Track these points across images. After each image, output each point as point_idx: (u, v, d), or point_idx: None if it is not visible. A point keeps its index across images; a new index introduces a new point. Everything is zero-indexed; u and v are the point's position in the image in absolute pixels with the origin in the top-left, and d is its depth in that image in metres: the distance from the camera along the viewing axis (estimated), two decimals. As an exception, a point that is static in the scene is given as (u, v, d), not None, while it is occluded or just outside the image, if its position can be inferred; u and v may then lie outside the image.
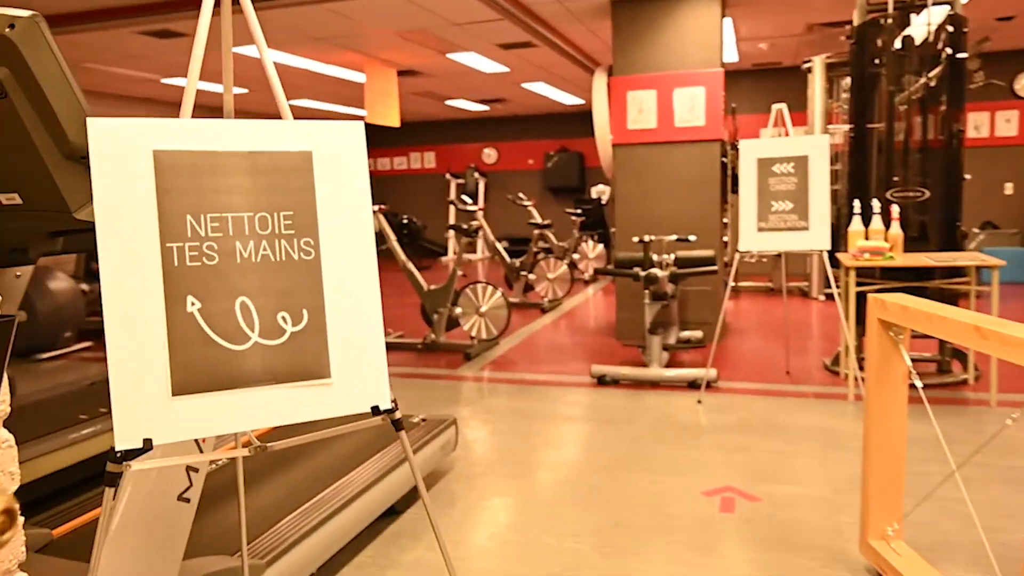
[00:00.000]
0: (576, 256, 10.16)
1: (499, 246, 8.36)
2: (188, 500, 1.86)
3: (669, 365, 5.37)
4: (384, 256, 13.69)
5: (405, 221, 12.29)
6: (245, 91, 9.84)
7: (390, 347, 6.35)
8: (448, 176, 14.44)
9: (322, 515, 2.50)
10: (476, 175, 14.42)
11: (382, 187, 15.18)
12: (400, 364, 5.78)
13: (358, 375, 1.54)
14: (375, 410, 1.57)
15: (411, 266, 6.22)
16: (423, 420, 3.51)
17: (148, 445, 1.35)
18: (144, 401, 1.36)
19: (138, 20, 5.76)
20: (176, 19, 5.83)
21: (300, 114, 12.58)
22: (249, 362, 1.43)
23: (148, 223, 1.37)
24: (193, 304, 1.39)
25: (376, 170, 15.23)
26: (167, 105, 10.58)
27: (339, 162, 1.55)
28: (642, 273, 5.03)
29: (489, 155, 14.60)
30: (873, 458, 2.49)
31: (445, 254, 14.02)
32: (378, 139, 15.02)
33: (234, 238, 1.43)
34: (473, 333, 6.14)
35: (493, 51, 7.79)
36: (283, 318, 1.47)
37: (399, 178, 15.15)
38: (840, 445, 3.73)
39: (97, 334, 7.17)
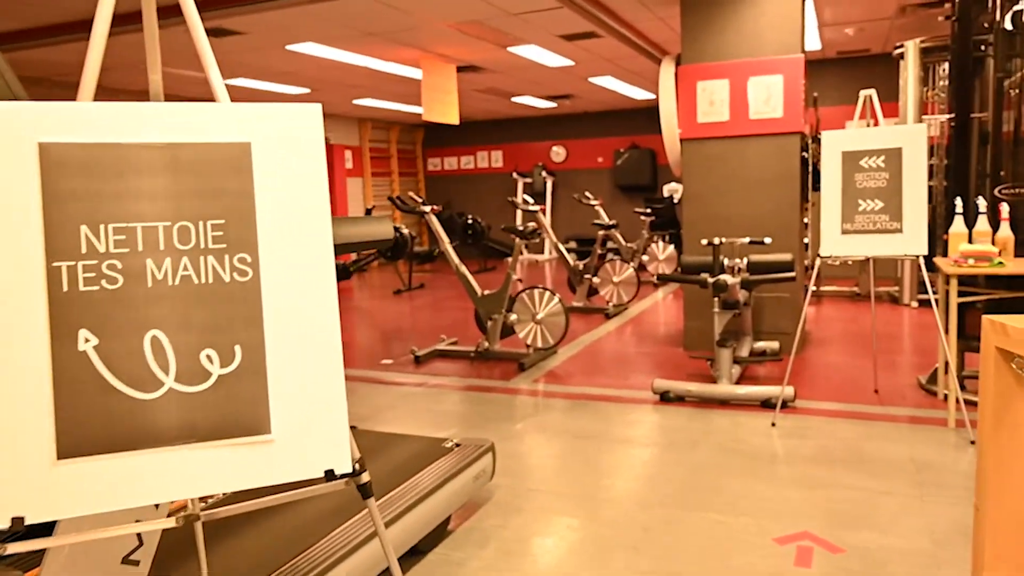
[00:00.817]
0: (645, 258, 9.68)
1: (562, 247, 7.97)
2: (136, 563, 1.57)
3: (740, 381, 4.88)
4: (442, 258, 13.47)
5: (470, 221, 12.03)
6: (306, 91, 9.75)
7: (442, 355, 6.05)
8: (515, 175, 14.12)
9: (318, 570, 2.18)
10: (544, 174, 14.05)
11: (448, 187, 14.99)
12: (451, 374, 5.47)
13: (308, 430, 1.20)
14: (330, 474, 1.22)
15: (464, 269, 5.90)
16: (456, 445, 3.17)
17: (19, 525, 1.05)
18: (18, 466, 1.05)
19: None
20: (226, 16, 5.68)
21: (357, 112, 12.49)
22: (162, 415, 1.12)
23: (29, 236, 1.06)
24: (87, 341, 1.08)
25: (443, 169, 15.05)
26: (233, 106, 10.60)
27: (287, 156, 1.21)
28: (710, 280, 4.57)
29: (557, 153, 14.21)
30: (991, 513, 2.02)
31: (511, 255, 13.72)
32: (444, 138, 14.83)
33: (144, 255, 1.12)
34: (528, 341, 5.79)
35: (555, 43, 7.41)
36: (208, 357, 1.15)
37: (466, 177, 14.93)
38: (940, 482, 3.21)
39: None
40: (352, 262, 10.72)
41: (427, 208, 6.11)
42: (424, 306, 8.81)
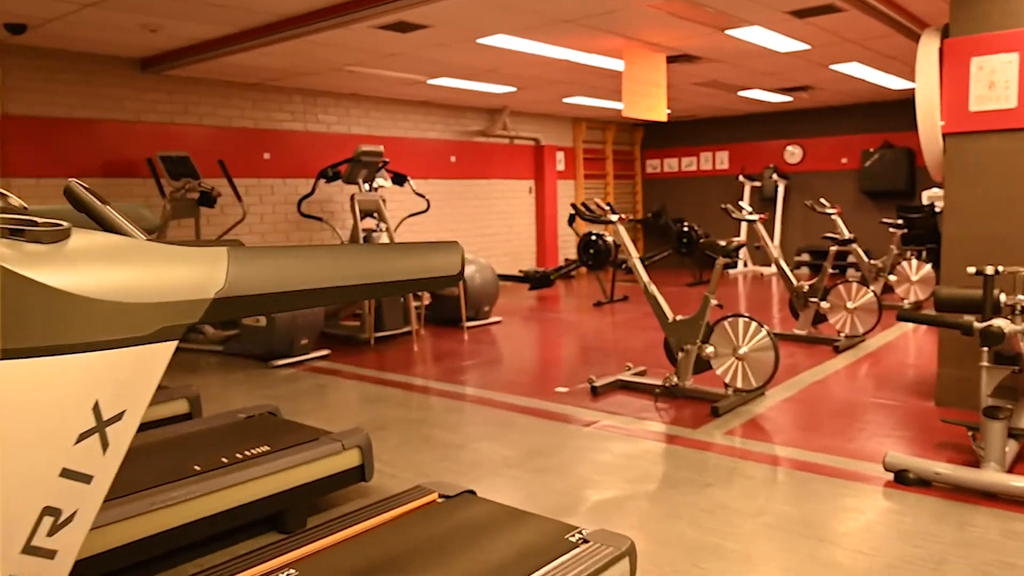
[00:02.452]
0: (892, 278, 8.08)
1: (783, 264, 6.76)
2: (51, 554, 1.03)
3: (1017, 465, 3.55)
4: (654, 267, 12.43)
5: (685, 229, 10.98)
6: (512, 89, 9.32)
7: (624, 386, 5.22)
8: (741, 178, 12.77)
9: None
10: (775, 177, 12.57)
11: (666, 190, 13.96)
12: (629, 412, 4.63)
13: None
14: None
15: (653, 289, 5.03)
16: (583, 539, 2.37)
17: None
18: None
19: (365, 13, 5.32)
20: (408, 7, 5.29)
21: (570, 111, 11.88)
22: None
23: None
24: None
25: (662, 172, 14.05)
26: (444, 108, 10.50)
27: None
28: (978, 325, 3.32)
29: (792, 153, 12.65)
30: None
31: (734, 265, 12.41)
32: (665, 138, 13.82)
33: None
34: (727, 380, 4.78)
35: (784, 22, 6.25)
36: None
37: (686, 181, 13.81)
38: None
39: (337, 340, 7.05)
40: (555, 269, 10.17)
41: (614, 217, 5.31)
42: (621, 323, 7.99)
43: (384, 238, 7.11)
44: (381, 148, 7.34)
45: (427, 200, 8.68)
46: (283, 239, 8.60)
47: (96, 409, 1.12)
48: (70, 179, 1.33)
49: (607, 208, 5.48)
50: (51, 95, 6.72)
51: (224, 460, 3.01)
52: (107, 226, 1.30)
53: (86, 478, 1.13)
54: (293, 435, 3.32)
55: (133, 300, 1.15)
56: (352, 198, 7.19)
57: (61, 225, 1.15)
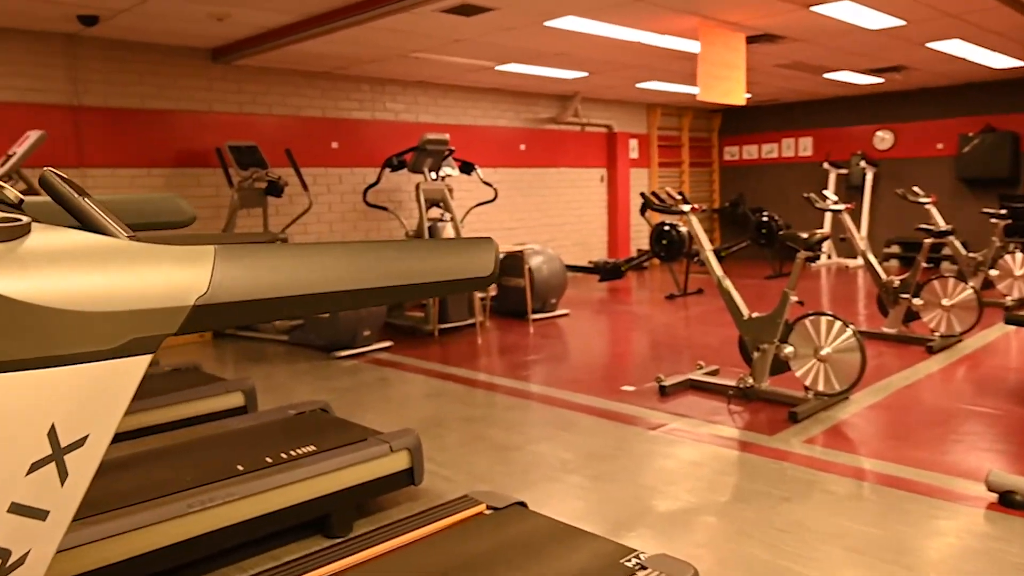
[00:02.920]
0: (994, 272, 7.47)
1: (871, 257, 6.30)
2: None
3: None
4: (733, 258, 11.94)
5: (764, 219, 10.48)
6: (584, 74, 9.04)
7: (694, 386, 4.93)
8: (826, 165, 12.13)
9: None
10: (863, 164, 11.88)
11: (745, 178, 13.40)
12: (699, 415, 4.36)
13: None
14: None
15: (728, 284, 4.72)
16: (640, 565, 2.14)
17: None
18: None
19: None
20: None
21: (644, 97, 11.49)
22: None
23: None
24: None
25: (741, 159, 13.49)
26: (514, 95, 10.29)
27: None
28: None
29: (883, 139, 11.93)
30: None
31: (816, 259, 11.81)
32: (744, 124, 13.26)
33: None
34: (807, 383, 4.44)
35: (877, -4, 5.78)
36: None
37: (766, 168, 13.22)
38: None
39: (401, 331, 6.96)
40: (625, 260, 9.87)
41: (686, 207, 5.00)
42: (695, 317, 7.65)
43: (449, 228, 6.97)
44: (447, 136, 7.20)
45: (495, 189, 8.51)
46: (350, 228, 8.58)
47: (52, 434, 0.97)
48: (46, 168, 1.18)
49: (679, 197, 5.17)
50: (125, 86, 6.83)
51: (268, 460, 2.90)
52: (84, 221, 1.15)
53: (40, 514, 0.98)
54: (341, 435, 3.19)
55: (97, 308, 0.99)
56: (417, 187, 7.07)
57: (19, 220, 1.00)
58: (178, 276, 1.06)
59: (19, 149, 5.43)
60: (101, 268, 1.02)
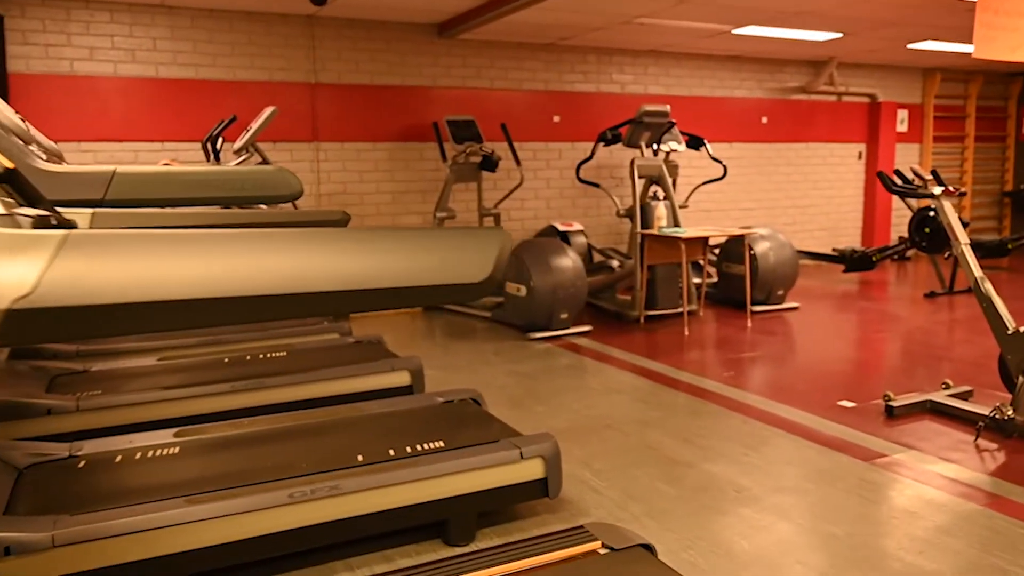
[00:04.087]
0: None
1: None
2: None
3: None
4: (1019, 252, 9.85)
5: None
6: (836, 35, 7.90)
7: (933, 408, 4.01)
8: None
9: None
10: None
11: (1052, 156, 11.08)
12: (935, 451, 3.50)
13: None
14: None
15: (988, 286, 3.75)
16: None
17: None
18: None
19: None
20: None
21: (919, 60, 9.81)
22: None
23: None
24: None
25: (1046, 133, 11.17)
26: (757, 63, 9.33)
27: None
28: None
29: None
30: None
31: None
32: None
33: None
34: (1094, 424, 3.38)
35: None
36: None
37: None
38: None
39: (605, 314, 6.57)
40: (878, 249, 8.60)
41: (937, 190, 4.04)
42: (957, 321, 6.39)
43: (662, 208, 6.43)
44: (667, 107, 6.63)
45: (724, 166, 7.77)
46: (568, 205, 8.33)
47: None
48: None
49: (929, 178, 4.20)
50: (355, 63, 7.12)
51: (391, 452, 2.72)
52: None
53: None
54: (476, 432, 2.93)
55: None
56: (632, 163, 6.61)
57: None
58: (-6, 271, 0.81)
59: (254, 124, 5.84)
60: None
